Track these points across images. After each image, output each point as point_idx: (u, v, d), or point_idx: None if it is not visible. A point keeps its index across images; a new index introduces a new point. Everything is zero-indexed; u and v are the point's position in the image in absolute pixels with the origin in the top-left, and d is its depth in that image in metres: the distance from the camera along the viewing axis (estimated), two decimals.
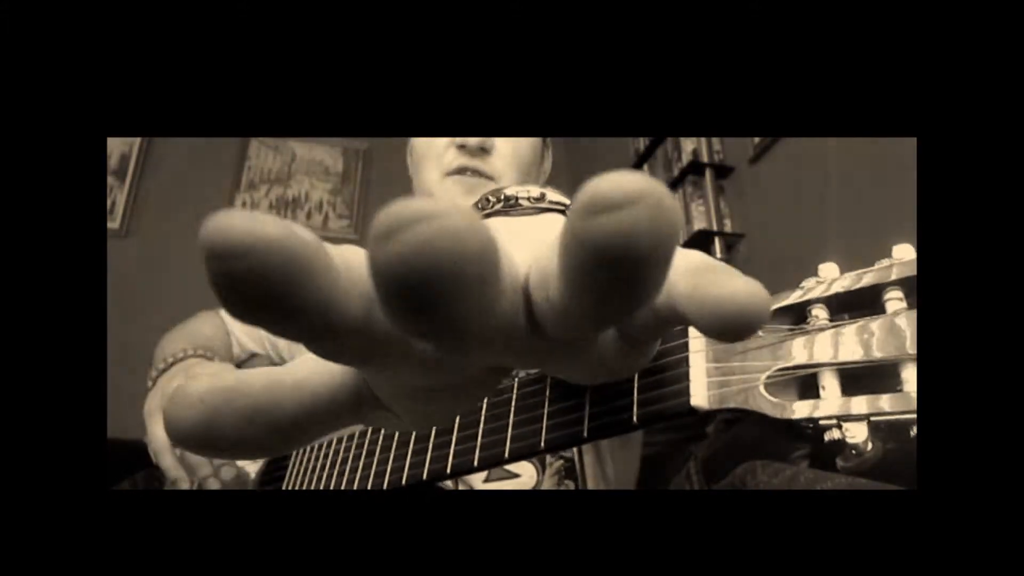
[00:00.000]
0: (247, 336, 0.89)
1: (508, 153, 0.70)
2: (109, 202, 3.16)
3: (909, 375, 0.25)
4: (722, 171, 2.34)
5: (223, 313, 0.91)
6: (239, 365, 0.87)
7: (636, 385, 0.34)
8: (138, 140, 3.29)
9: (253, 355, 0.92)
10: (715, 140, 2.40)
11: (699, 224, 2.23)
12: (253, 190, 3.46)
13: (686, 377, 0.31)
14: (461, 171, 0.69)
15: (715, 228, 2.20)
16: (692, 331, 0.33)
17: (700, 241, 2.18)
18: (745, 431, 1.53)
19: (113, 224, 3.11)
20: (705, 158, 2.37)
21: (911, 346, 0.25)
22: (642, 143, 2.81)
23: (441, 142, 0.70)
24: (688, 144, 2.44)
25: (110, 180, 3.22)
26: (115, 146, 3.27)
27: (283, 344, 0.87)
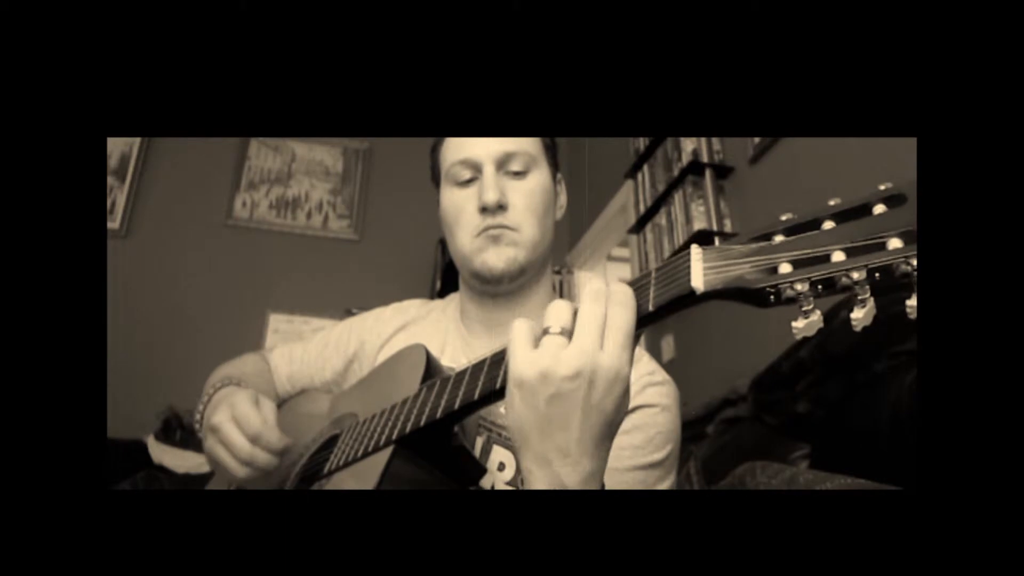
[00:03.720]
0: (298, 375, 0.99)
1: (522, 205, 0.82)
2: (109, 202, 3.16)
3: (835, 257, 0.37)
4: (722, 171, 2.33)
5: (270, 356, 1.03)
6: (285, 401, 0.99)
7: (653, 281, 0.45)
8: (138, 140, 3.30)
9: (302, 391, 1.00)
10: (715, 140, 2.36)
11: (699, 224, 2.22)
12: (253, 190, 3.46)
13: (688, 270, 0.42)
14: (487, 230, 0.81)
15: (715, 228, 2.19)
16: (695, 247, 0.43)
17: (700, 241, 2.17)
18: (745, 432, 1.53)
19: (113, 224, 3.11)
20: (705, 158, 2.36)
21: (836, 243, 0.38)
22: (642, 143, 2.80)
23: (467, 209, 0.82)
24: (688, 144, 2.42)
25: (110, 180, 3.22)
26: (115, 146, 3.27)
27: (329, 379, 0.97)
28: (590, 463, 0.45)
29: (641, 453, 0.71)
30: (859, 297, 0.36)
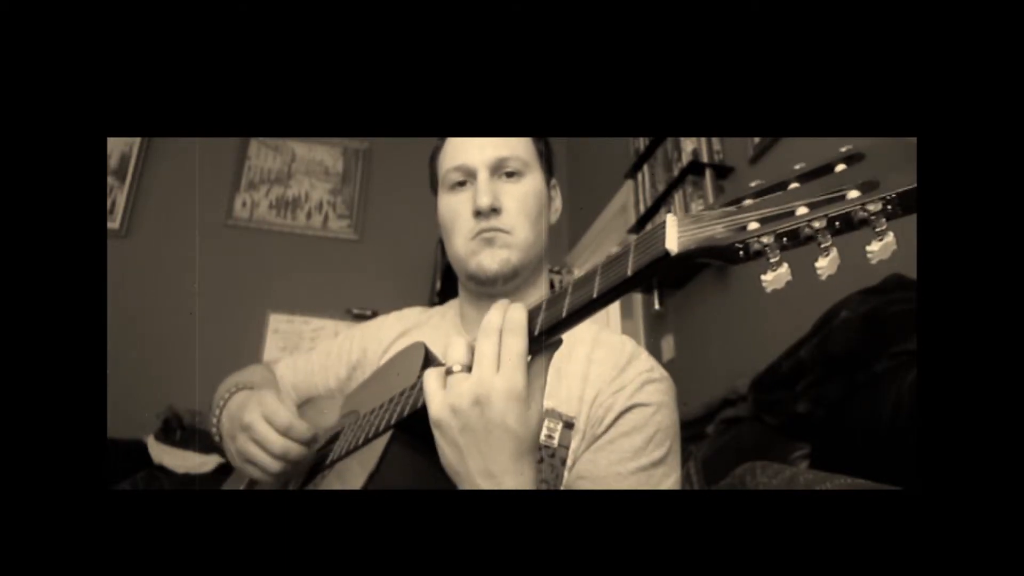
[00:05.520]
0: (303, 384, 1.01)
1: (515, 208, 0.83)
2: (109, 202, 3.16)
3: (799, 211, 0.39)
4: (722, 171, 2.33)
5: (275, 368, 1.03)
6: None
7: (632, 249, 0.47)
8: (138, 140, 3.30)
9: (308, 399, 1.02)
10: (715, 140, 2.36)
11: None
12: (253, 190, 3.46)
13: (663, 235, 0.44)
14: (481, 233, 0.82)
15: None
16: (669, 215, 0.46)
17: None
18: (745, 432, 1.53)
19: (113, 224, 3.11)
20: (705, 158, 2.36)
21: (800, 199, 0.40)
22: (642, 143, 2.79)
23: (462, 214, 0.84)
24: (688, 144, 2.38)
25: (110, 180, 3.22)
26: (115, 146, 3.27)
27: (333, 386, 0.98)
28: (512, 479, 0.50)
29: (643, 454, 0.72)
30: (822, 246, 0.38)
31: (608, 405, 0.74)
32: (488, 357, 0.50)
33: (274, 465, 0.70)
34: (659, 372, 0.79)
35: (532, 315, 0.52)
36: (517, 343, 0.50)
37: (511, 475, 0.49)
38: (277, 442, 0.69)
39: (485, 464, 0.49)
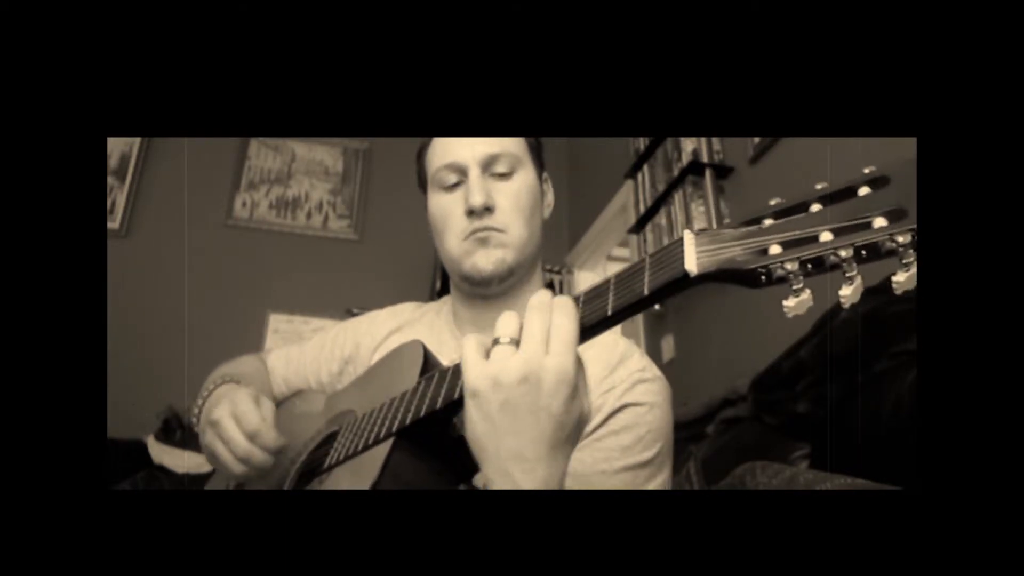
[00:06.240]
0: (294, 377, 0.99)
1: (509, 206, 0.82)
2: (109, 202, 3.16)
3: (823, 237, 0.38)
4: (722, 171, 2.33)
5: (268, 358, 1.02)
6: (281, 402, 0.97)
7: (648, 266, 0.46)
8: (138, 140, 3.30)
9: (298, 391, 1.01)
10: (715, 140, 2.36)
11: (699, 224, 2.22)
12: (253, 190, 3.46)
13: (681, 254, 0.43)
14: (475, 232, 0.81)
15: (715, 228, 2.18)
16: (687, 232, 0.45)
17: None
18: (745, 432, 1.53)
19: (113, 224, 3.11)
20: (705, 158, 2.36)
21: (824, 224, 0.39)
22: (642, 143, 2.80)
23: (454, 213, 0.82)
24: (688, 144, 2.38)
25: (110, 180, 3.22)
26: (115, 146, 3.27)
27: (325, 381, 0.97)
28: (545, 468, 0.47)
29: (630, 453, 0.71)
30: (847, 275, 0.37)
31: (597, 406, 0.73)
32: (539, 335, 0.47)
33: (237, 467, 0.69)
34: (652, 372, 0.78)
35: None
36: (569, 325, 0.47)
37: (544, 463, 0.46)
38: (241, 445, 0.68)
39: (520, 447, 0.46)
